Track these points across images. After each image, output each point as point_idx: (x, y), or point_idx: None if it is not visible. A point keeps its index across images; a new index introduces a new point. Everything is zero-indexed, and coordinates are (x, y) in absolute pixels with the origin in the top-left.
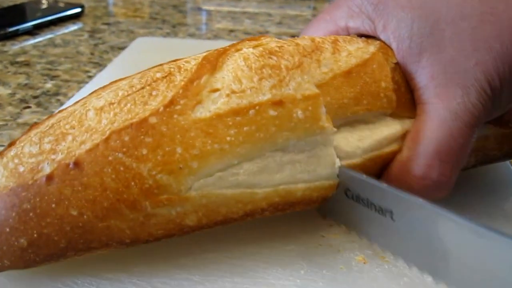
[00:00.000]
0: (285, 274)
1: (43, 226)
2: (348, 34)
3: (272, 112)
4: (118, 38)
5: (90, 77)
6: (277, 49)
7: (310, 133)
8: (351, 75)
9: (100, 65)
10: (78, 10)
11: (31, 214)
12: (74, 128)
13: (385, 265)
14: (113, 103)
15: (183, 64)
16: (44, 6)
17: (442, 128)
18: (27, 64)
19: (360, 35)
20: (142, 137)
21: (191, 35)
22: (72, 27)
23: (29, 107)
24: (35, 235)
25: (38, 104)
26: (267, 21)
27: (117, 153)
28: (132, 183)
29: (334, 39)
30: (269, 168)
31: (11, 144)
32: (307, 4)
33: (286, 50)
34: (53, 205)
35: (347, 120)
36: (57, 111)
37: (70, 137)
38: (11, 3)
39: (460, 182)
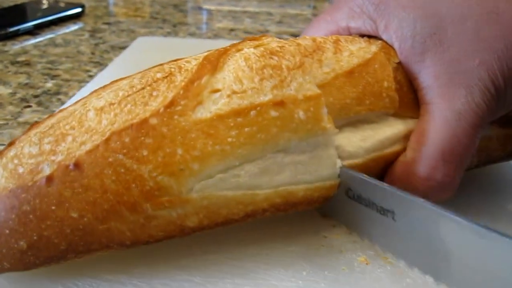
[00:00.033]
0: (287, 275)
1: (43, 228)
2: (350, 35)
3: (273, 113)
4: (119, 37)
5: (91, 77)
6: (278, 49)
7: (311, 134)
8: (353, 75)
9: (101, 65)
10: (78, 10)
11: (31, 216)
12: (74, 129)
13: (387, 266)
14: (113, 104)
15: (184, 64)
16: (45, 6)
17: (446, 129)
18: (27, 63)
19: (362, 35)
20: (142, 138)
21: (192, 35)
22: (73, 27)
23: (29, 106)
24: (35, 238)
25: (39, 103)
26: (268, 20)
27: (117, 155)
28: (133, 185)
29: (336, 39)
30: (270, 170)
31: (11, 144)
32: (307, 3)
33: (287, 50)
34: (53, 207)
35: (350, 120)
36: (57, 110)
37: (70, 138)
38: (11, 3)
39: (463, 183)
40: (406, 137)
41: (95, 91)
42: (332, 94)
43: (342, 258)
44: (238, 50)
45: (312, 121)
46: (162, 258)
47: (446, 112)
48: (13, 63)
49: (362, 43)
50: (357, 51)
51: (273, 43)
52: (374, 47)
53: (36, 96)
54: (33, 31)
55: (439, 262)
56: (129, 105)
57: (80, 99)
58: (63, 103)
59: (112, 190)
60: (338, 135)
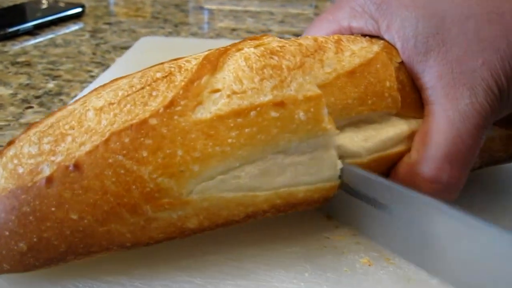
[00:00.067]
0: (289, 276)
1: (43, 230)
2: (352, 34)
3: (273, 114)
4: (120, 37)
5: (93, 77)
6: (279, 49)
7: (312, 134)
8: (355, 75)
9: (103, 65)
10: (78, 10)
11: (30, 217)
12: (73, 129)
13: (390, 267)
14: (112, 103)
15: (184, 64)
16: (44, 6)
17: (451, 130)
18: (28, 64)
19: (364, 35)
20: (142, 139)
21: (193, 34)
22: (73, 27)
23: (31, 107)
24: (35, 239)
25: (41, 104)
26: (269, 20)
27: (117, 155)
28: (133, 187)
29: (337, 38)
30: (271, 171)
31: (10, 143)
32: (309, 3)
33: (287, 50)
34: (53, 209)
35: (352, 120)
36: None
37: (69, 138)
38: (11, 3)
39: (466, 183)
40: (408, 137)
41: (95, 89)
42: (334, 94)
43: (345, 260)
44: (238, 50)
45: (312, 121)
46: (163, 260)
47: (450, 113)
48: (13, 63)
49: (364, 42)
50: (359, 51)
51: (273, 42)
52: (376, 46)
53: (37, 97)
54: (33, 32)
55: (439, 260)
56: (128, 105)
57: (80, 98)
58: (65, 104)
59: (112, 191)
60: (340, 135)
